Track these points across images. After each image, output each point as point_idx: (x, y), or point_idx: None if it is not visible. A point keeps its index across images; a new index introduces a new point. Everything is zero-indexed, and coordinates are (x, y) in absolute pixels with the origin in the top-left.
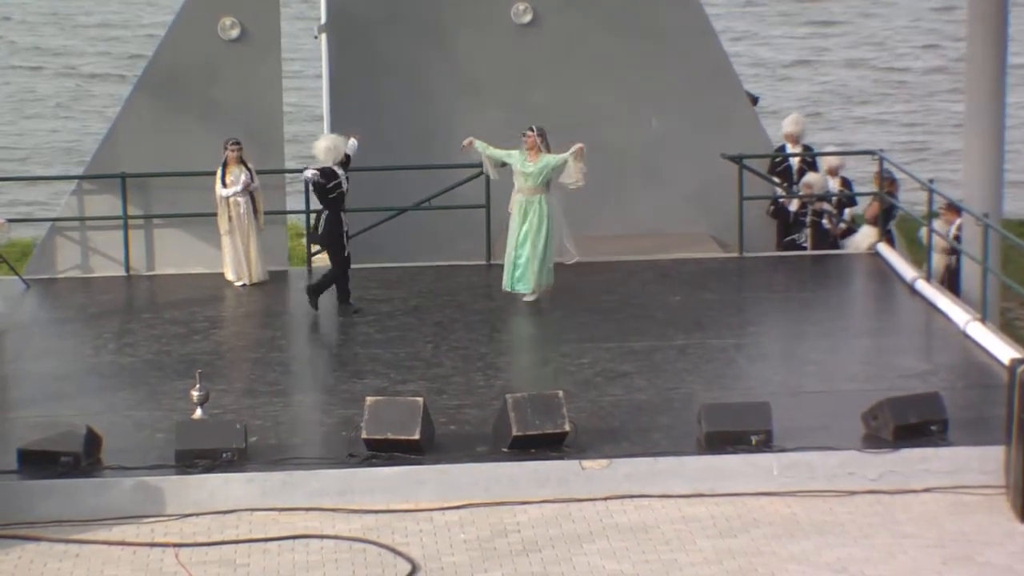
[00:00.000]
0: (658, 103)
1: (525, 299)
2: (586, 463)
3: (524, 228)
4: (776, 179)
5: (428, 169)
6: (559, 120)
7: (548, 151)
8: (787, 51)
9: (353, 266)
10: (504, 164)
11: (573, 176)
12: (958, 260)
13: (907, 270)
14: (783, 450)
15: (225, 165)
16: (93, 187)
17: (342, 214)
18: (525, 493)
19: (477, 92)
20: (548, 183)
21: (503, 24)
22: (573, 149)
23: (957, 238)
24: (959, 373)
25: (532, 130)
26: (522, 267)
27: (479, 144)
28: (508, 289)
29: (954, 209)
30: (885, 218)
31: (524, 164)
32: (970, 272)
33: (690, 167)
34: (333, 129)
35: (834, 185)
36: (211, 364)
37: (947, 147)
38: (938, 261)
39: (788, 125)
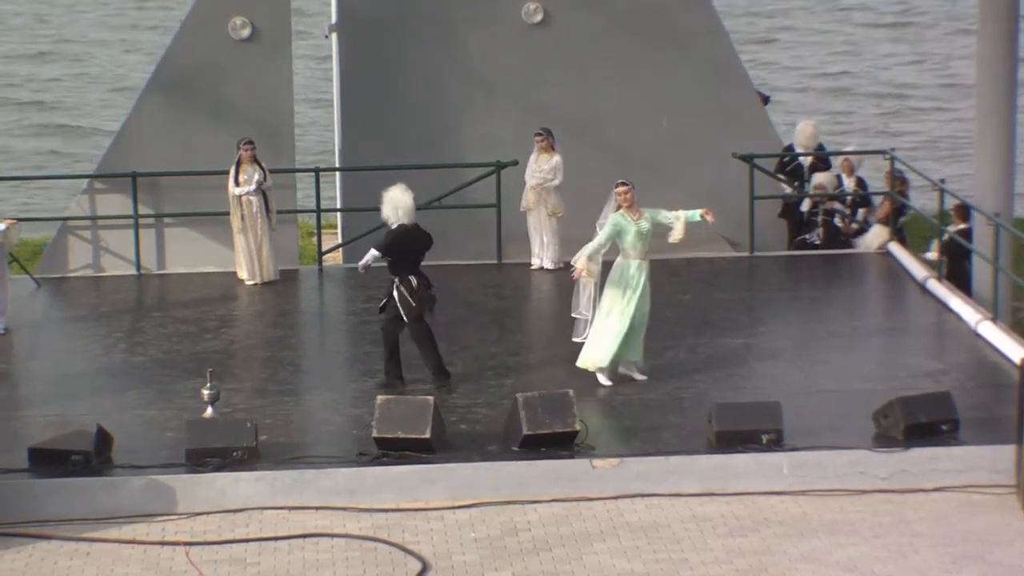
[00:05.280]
0: (669, 102)
1: (638, 377)
2: (596, 462)
3: (638, 294)
4: (785, 179)
5: (439, 168)
6: (569, 119)
7: (554, 150)
8: None
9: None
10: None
11: (678, 235)
12: (951, 264)
13: (918, 269)
14: (794, 449)
15: (239, 164)
16: (104, 186)
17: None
18: (535, 492)
19: (488, 91)
20: None
21: (514, 23)
22: (702, 213)
23: (953, 240)
24: (970, 372)
25: (542, 132)
26: (636, 335)
27: (591, 263)
28: (606, 366)
29: (960, 214)
30: (896, 217)
31: (636, 224)
32: (981, 271)
33: (701, 166)
34: (343, 126)
35: (849, 184)
36: (222, 363)
37: None
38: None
39: (799, 136)
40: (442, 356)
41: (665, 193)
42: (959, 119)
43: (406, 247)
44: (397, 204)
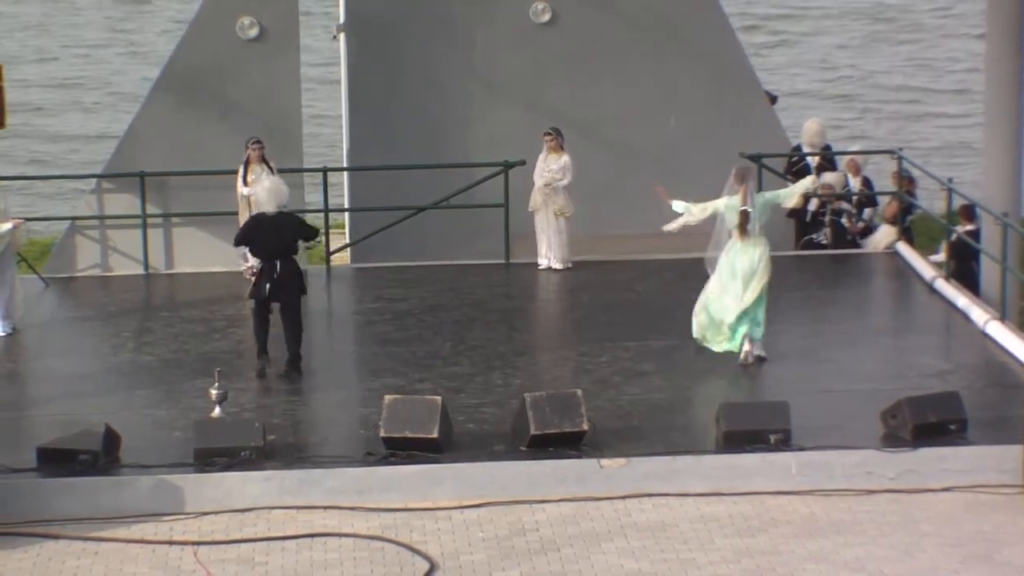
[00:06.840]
0: (676, 102)
1: (758, 352)
2: (604, 462)
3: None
4: (793, 179)
5: (446, 168)
6: (577, 119)
7: (563, 150)
8: None
9: (369, 265)
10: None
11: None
12: (958, 264)
13: (926, 269)
14: (801, 449)
15: (247, 164)
16: (112, 186)
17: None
18: (543, 491)
19: (495, 91)
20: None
21: (521, 23)
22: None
23: (961, 241)
24: (978, 372)
25: (551, 132)
26: (757, 314)
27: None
28: (724, 348)
29: (966, 215)
30: (904, 217)
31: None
32: (989, 271)
33: (709, 166)
34: (351, 128)
35: (855, 184)
36: (230, 362)
37: None
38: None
39: (805, 135)
40: (298, 351)
41: (673, 192)
42: (963, 124)
43: (257, 235)
44: (256, 196)
